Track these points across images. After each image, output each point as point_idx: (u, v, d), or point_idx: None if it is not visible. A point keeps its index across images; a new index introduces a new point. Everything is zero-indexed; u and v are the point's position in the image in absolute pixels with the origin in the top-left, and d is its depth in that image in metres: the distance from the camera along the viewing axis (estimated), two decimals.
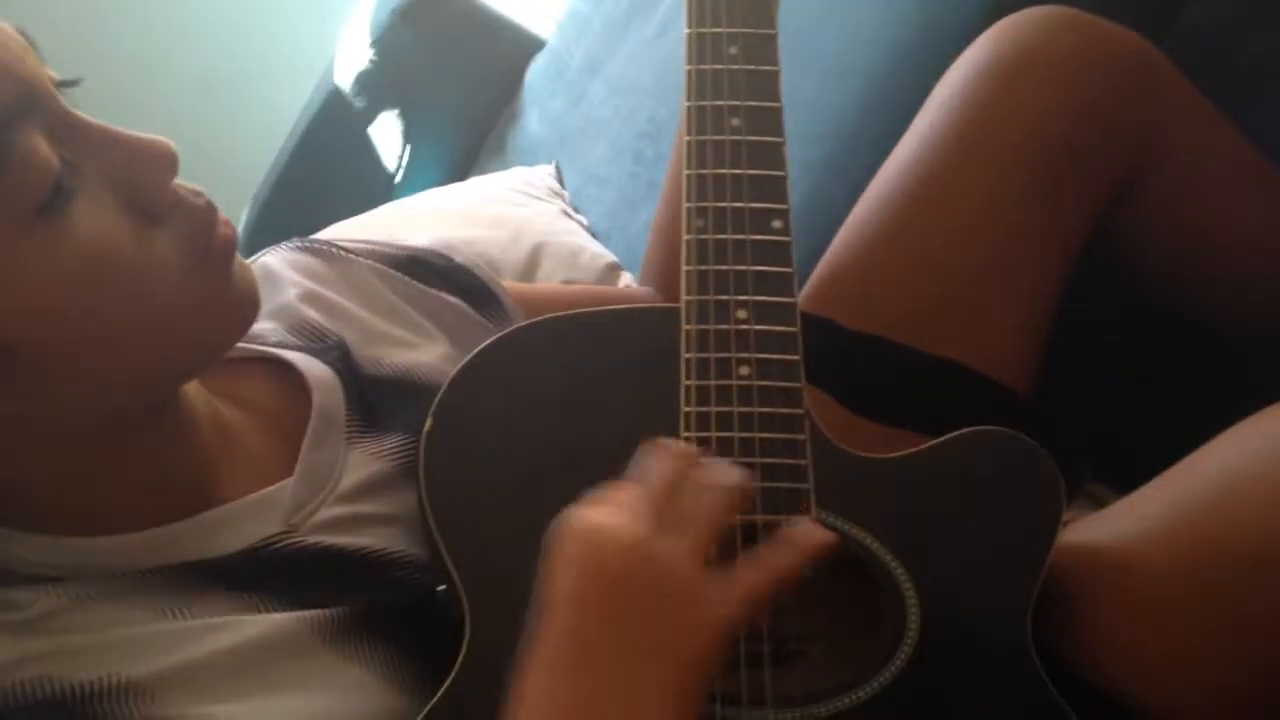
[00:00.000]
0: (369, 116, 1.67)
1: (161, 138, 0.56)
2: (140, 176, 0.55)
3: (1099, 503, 0.83)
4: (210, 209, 0.58)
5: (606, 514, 0.53)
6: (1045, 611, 0.62)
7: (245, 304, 0.60)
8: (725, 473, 0.56)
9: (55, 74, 0.55)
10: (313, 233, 1.10)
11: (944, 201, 0.84)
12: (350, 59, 1.66)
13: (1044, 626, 0.62)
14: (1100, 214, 0.85)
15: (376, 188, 1.65)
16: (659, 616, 0.51)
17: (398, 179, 1.67)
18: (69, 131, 0.54)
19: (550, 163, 1.48)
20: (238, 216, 1.75)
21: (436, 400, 0.66)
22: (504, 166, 1.55)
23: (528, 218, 1.32)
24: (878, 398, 0.82)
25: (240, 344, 0.68)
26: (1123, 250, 0.88)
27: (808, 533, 0.56)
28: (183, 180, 0.58)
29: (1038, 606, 0.62)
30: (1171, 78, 0.86)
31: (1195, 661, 0.62)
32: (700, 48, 0.71)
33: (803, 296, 0.89)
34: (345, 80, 1.66)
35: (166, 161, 0.56)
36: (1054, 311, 0.85)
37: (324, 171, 1.71)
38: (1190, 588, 0.62)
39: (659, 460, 0.56)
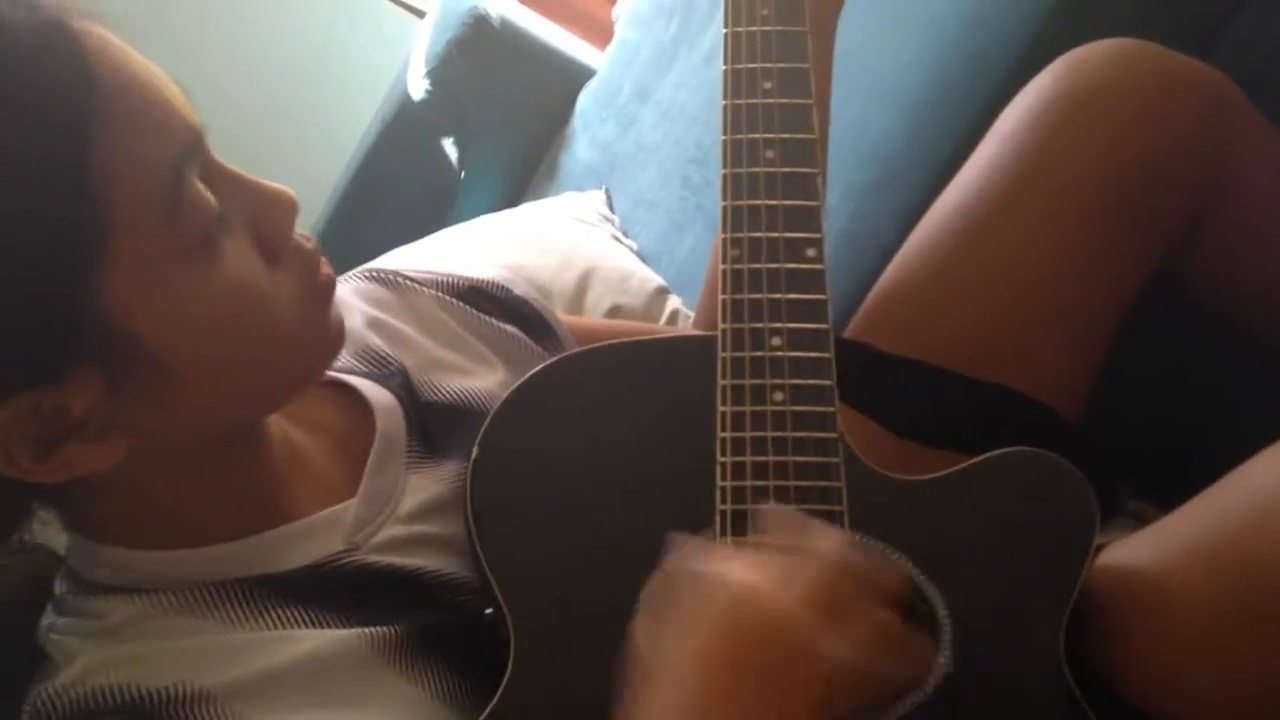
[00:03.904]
0: (429, 141, 1.71)
1: (286, 187, 0.61)
2: (269, 221, 0.60)
3: (1142, 521, 0.83)
4: (317, 252, 0.63)
5: (761, 580, 0.52)
6: (1082, 628, 0.63)
7: (337, 340, 0.65)
8: (888, 575, 0.56)
9: None
10: (378, 244, 1.14)
11: (1004, 235, 0.83)
12: (416, 77, 1.70)
13: (1081, 643, 0.62)
14: (1166, 251, 0.84)
15: (442, 195, 1.69)
16: (794, 693, 0.50)
17: (454, 204, 1.70)
18: (214, 175, 0.58)
19: (600, 188, 1.50)
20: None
21: (483, 429, 0.68)
22: (556, 192, 1.58)
23: (578, 242, 1.34)
24: (917, 419, 0.82)
25: None
26: (1182, 279, 0.87)
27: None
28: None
29: (1074, 623, 0.62)
30: (1246, 114, 0.85)
31: (1231, 680, 0.62)
32: (736, 83, 0.73)
33: (853, 323, 0.89)
34: (416, 90, 1.70)
35: (291, 209, 0.61)
36: (1110, 346, 0.84)
37: (393, 178, 1.75)
38: (1227, 607, 0.63)
39: (822, 537, 0.55)
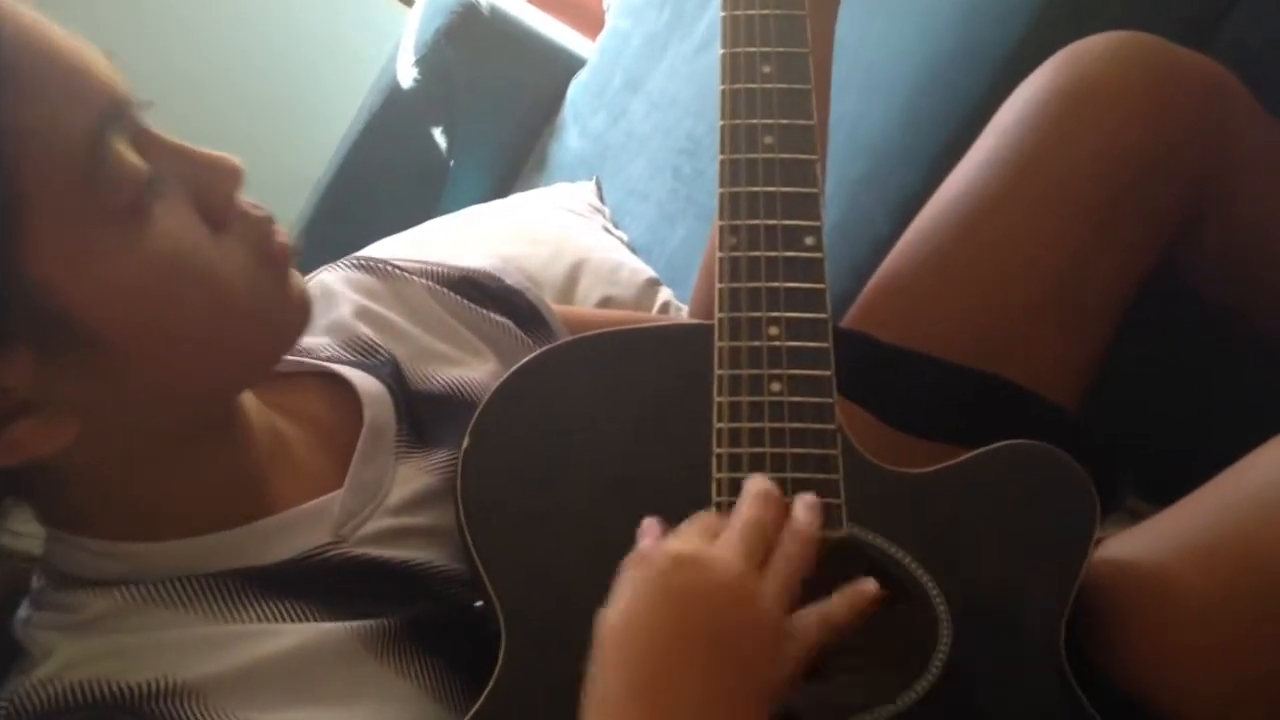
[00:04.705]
0: (417, 129, 1.70)
1: (229, 154, 0.60)
2: (209, 188, 0.59)
3: (1139, 517, 0.82)
4: (269, 219, 0.62)
5: (705, 546, 0.56)
6: (1081, 623, 0.62)
7: (300, 310, 0.63)
8: (811, 522, 0.59)
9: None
10: (366, 235, 1.14)
11: (1002, 227, 0.83)
12: (404, 66, 1.69)
13: (1079, 638, 0.62)
14: (1166, 244, 0.84)
15: (431, 185, 1.68)
16: (751, 651, 0.53)
17: (442, 193, 1.69)
18: (148, 145, 0.57)
19: (591, 179, 1.50)
20: (290, 223, 1.79)
21: (474, 419, 0.68)
22: (546, 182, 1.57)
23: (568, 234, 1.33)
24: (914, 411, 0.82)
25: (294, 358, 0.70)
26: (1183, 272, 0.87)
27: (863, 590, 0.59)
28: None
29: (1073, 618, 0.62)
30: (1246, 106, 0.85)
31: (1230, 676, 0.62)
32: (735, 67, 0.72)
33: (849, 315, 0.89)
34: (404, 78, 1.69)
35: (233, 175, 0.59)
36: (1110, 339, 0.84)
37: (381, 167, 1.75)
38: (1228, 603, 0.63)
39: (755, 502, 0.59)
